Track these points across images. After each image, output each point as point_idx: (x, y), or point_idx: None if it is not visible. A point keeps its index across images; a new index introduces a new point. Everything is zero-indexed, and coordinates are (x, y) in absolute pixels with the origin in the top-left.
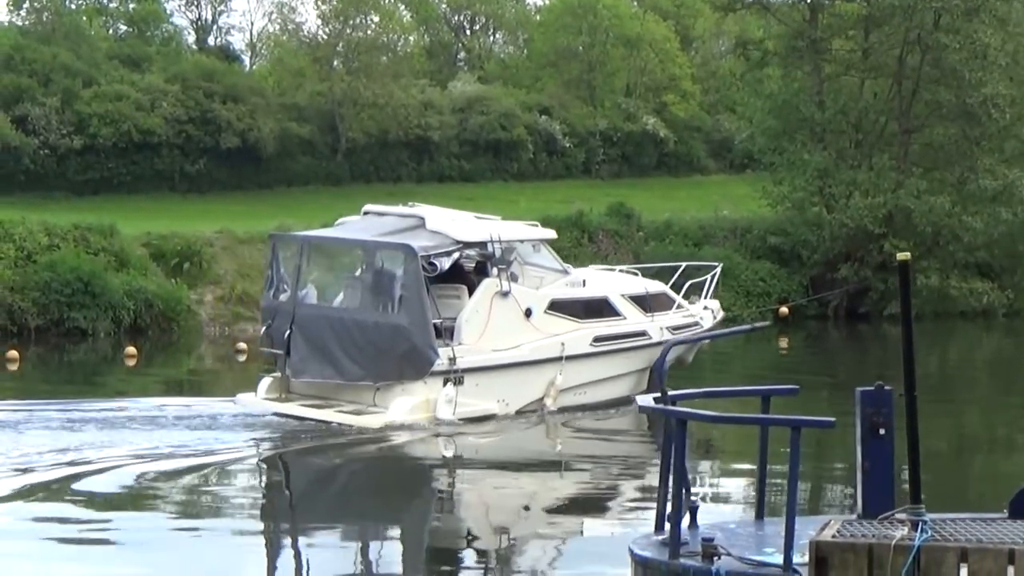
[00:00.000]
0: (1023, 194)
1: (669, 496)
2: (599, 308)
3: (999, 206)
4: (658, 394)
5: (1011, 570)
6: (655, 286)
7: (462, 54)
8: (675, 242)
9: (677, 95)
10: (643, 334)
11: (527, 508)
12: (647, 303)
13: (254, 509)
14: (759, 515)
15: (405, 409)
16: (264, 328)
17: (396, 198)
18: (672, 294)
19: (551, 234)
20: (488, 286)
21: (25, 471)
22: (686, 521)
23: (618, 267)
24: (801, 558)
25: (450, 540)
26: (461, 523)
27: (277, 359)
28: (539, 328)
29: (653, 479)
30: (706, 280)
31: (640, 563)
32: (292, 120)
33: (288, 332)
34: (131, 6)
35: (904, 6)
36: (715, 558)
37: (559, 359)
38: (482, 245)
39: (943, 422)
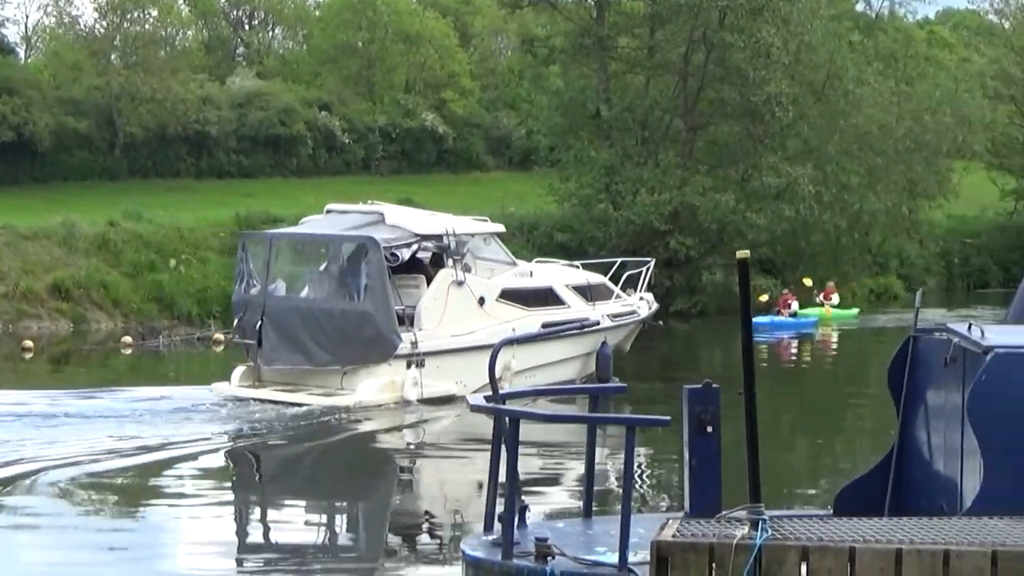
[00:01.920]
0: (805, 191)
1: (499, 495)
2: (545, 297)
3: (782, 203)
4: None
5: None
6: (595, 278)
7: (241, 49)
8: None
9: (456, 92)
10: (586, 321)
11: (480, 487)
12: (589, 293)
13: (228, 490)
14: (587, 514)
15: (372, 390)
16: (236, 321)
17: (175, 194)
18: (611, 285)
19: (500, 228)
20: (444, 276)
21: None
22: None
23: (561, 261)
24: (634, 557)
25: (409, 518)
26: (419, 502)
27: (249, 349)
28: (492, 315)
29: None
30: (641, 272)
31: (472, 564)
32: (69, 114)
33: (259, 323)
34: None
35: (689, 5)
36: (549, 558)
37: (511, 343)
38: (438, 238)
39: (727, 416)
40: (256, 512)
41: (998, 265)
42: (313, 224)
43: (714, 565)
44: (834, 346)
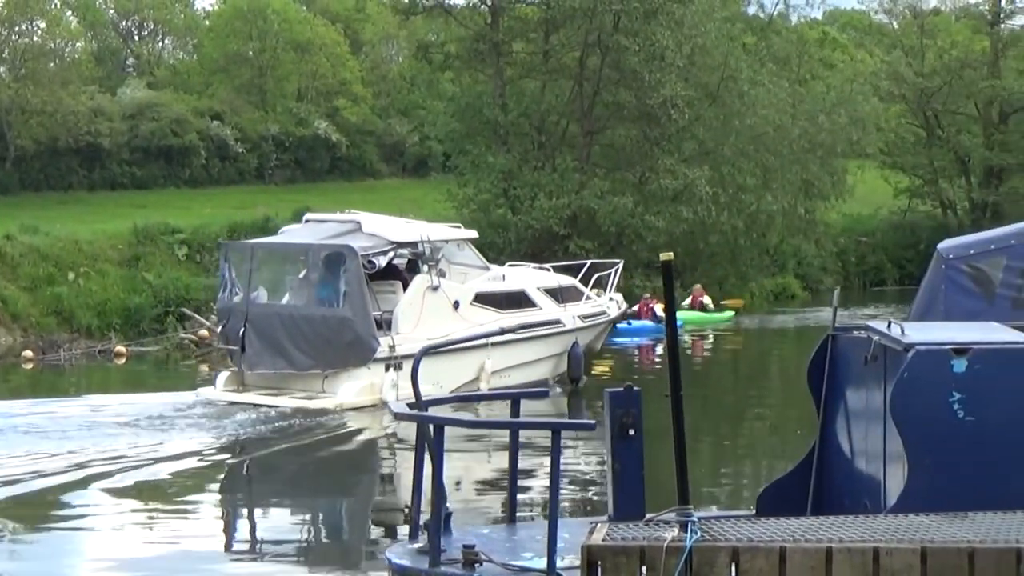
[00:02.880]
0: (703, 193)
1: (423, 503)
2: (518, 299)
3: (680, 205)
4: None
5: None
6: (566, 280)
7: (131, 60)
8: None
9: (348, 99)
10: (558, 322)
11: (458, 484)
12: (559, 295)
13: (216, 490)
14: (511, 520)
15: (352, 392)
16: (220, 327)
17: (68, 206)
18: (581, 287)
19: (473, 234)
20: (420, 281)
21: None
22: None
23: (531, 265)
24: (561, 562)
25: (390, 513)
26: (400, 498)
27: (232, 355)
28: (466, 318)
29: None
30: (610, 274)
31: (399, 572)
32: None
33: (242, 330)
34: None
35: (583, 9)
36: (476, 565)
37: (486, 345)
38: (413, 245)
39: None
40: (243, 511)
41: (893, 263)
42: (292, 233)
43: (645, 568)
44: (708, 349)
